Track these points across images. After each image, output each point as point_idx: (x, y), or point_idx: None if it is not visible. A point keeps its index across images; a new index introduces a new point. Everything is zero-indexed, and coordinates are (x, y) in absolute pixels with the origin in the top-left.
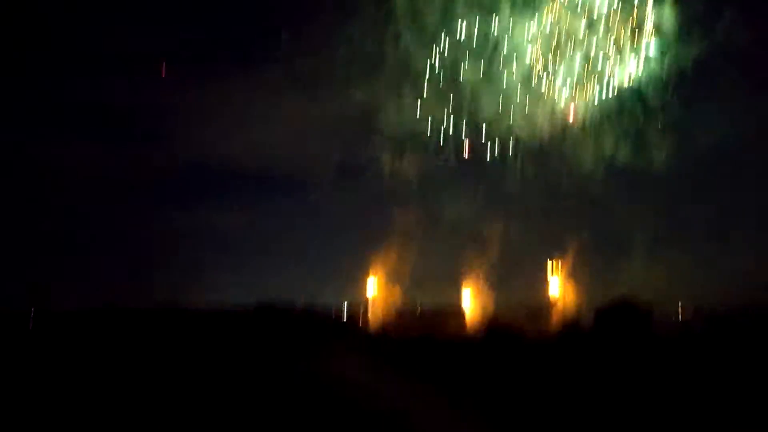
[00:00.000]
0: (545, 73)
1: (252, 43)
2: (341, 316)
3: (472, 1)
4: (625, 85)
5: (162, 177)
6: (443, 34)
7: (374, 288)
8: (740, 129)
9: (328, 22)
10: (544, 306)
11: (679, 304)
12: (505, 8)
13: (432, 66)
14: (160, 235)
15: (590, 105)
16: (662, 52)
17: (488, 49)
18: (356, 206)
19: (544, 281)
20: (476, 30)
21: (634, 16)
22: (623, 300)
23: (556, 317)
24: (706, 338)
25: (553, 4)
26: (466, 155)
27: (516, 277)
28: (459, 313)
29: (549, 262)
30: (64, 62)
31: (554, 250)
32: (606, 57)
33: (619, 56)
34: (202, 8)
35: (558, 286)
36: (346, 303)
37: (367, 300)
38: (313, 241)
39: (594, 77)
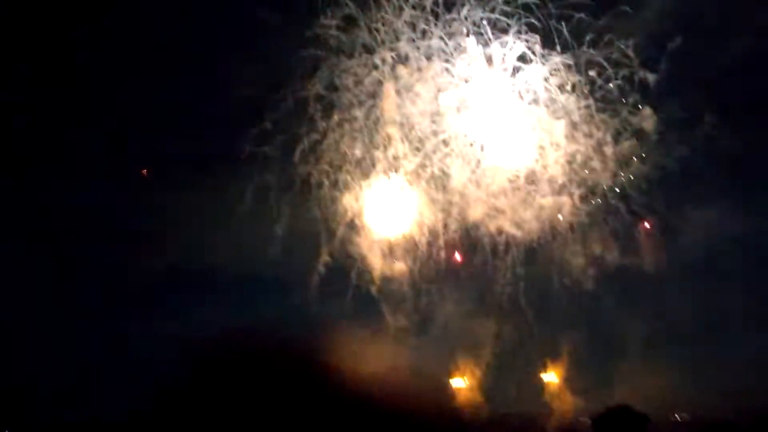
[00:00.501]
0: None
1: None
2: None
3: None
4: (610, 186)
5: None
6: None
7: None
8: (727, 230)
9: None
10: (538, 413)
11: (675, 412)
12: None
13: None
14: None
15: (577, 207)
16: (644, 155)
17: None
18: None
19: (537, 387)
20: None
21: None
22: (619, 408)
23: (551, 425)
24: None
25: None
26: (458, 257)
27: (508, 381)
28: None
29: (542, 368)
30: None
31: (547, 354)
32: (589, 159)
33: (601, 158)
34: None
35: (552, 392)
36: None
37: None
38: None
39: (576, 180)
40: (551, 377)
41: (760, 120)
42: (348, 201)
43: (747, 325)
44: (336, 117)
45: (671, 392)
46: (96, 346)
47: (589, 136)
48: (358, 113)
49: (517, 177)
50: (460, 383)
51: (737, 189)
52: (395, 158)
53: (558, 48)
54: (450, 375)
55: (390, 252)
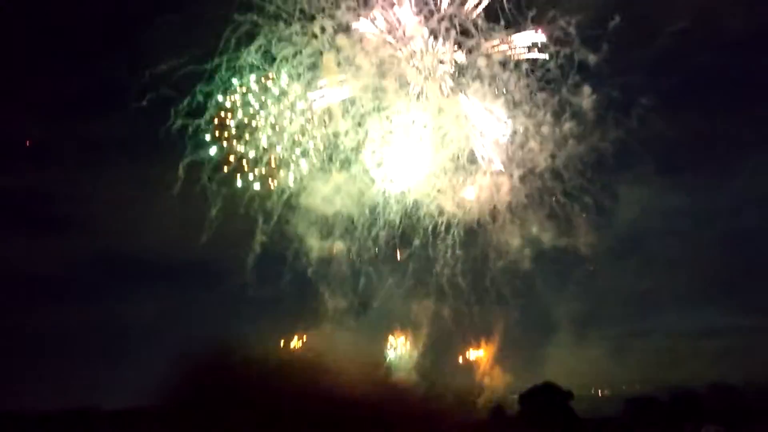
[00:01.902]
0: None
1: None
2: None
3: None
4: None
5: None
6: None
7: None
8: (657, 211)
9: None
10: (471, 390)
11: (598, 388)
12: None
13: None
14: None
15: (516, 188)
16: (581, 136)
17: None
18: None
19: (471, 365)
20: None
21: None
22: (544, 385)
23: (482, 401)
24: (623, 419)
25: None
26: (396, 239)
27: (444, 360)
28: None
29: (476, 347)
30: None
31: (482, 334)
32: (528, 139)
33: (540, 138)
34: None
35: (484, 370)
36: None
37: None
38: None
39: (516, 161)
40: (484, 356)
41: (693, 103)
42: (285, 179)
43: (670, 303)
44: (273, 89)
45: (596, 369)
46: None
47: (529, 115)
48: (297, 86)
49: (458, 156)
50: (398, 361)
51: (670, 170)
52: (335, 135)
53: (502, 22)
54: (387, 354)
55: (329, 233)
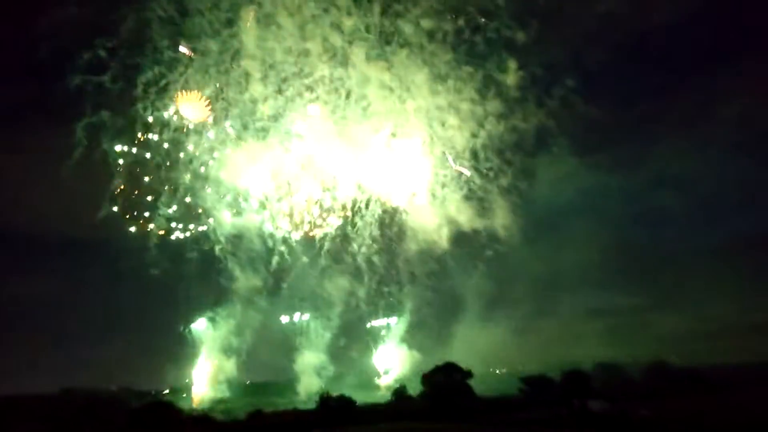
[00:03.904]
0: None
1: None
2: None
3: None
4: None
5: None
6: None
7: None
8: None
9: None
10: (376, 372)
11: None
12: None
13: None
14: None
15: (436, 167)
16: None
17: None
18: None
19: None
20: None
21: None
22: (446, 365)
23: (387, 382)
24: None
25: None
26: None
27: (354, 341)
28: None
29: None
30: None
31: (392, 313)
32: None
33: (461, 116)
34: None
35: (391, 351)
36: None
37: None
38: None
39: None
40: (393, 335)
41: (614, 85)
42: (196, 146)
43: (573, 285)
44: (185, 47)
45: (498, 349)
46: None
47: (453, 91)
48: (212, 44)
49: (380, 130)
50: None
51: (589, 150)
52: (252, 101)
53: None
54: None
55: (239, 209)
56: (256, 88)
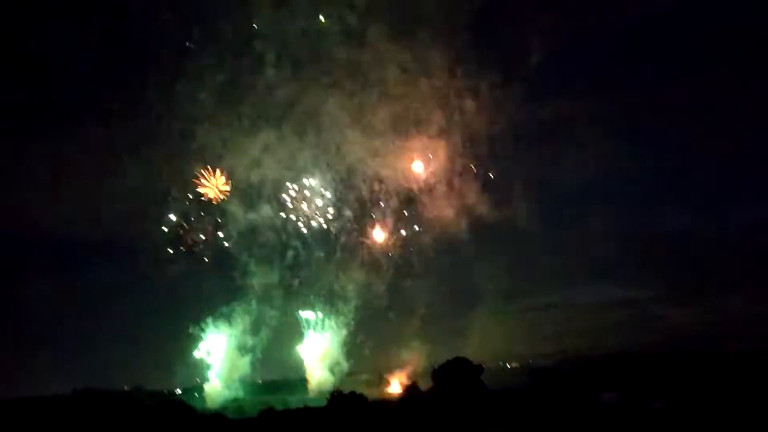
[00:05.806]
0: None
1: None
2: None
3: None
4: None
5: None
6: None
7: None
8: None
9: None
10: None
11: (508, 362)
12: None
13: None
14: None
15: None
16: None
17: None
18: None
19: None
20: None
21: None
22: (456, 360)
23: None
24: (530, 389)
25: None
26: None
27: (369, 337)
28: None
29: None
30: None
31: (409, 304)
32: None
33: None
34: None
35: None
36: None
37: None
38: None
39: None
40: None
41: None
42: (207, 137)
43: (584, 278)
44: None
45: (509, 342)
46: None
47: (470, 75)
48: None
49: (396, 116)
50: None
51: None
52: (267, 87)
53: None
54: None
55: (253, 203)
56: (269, 72)
